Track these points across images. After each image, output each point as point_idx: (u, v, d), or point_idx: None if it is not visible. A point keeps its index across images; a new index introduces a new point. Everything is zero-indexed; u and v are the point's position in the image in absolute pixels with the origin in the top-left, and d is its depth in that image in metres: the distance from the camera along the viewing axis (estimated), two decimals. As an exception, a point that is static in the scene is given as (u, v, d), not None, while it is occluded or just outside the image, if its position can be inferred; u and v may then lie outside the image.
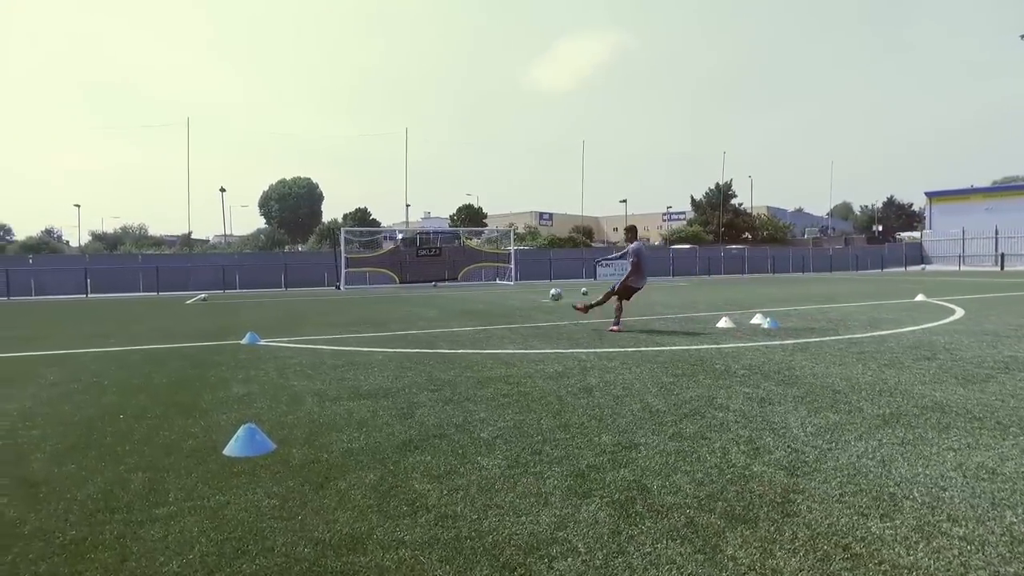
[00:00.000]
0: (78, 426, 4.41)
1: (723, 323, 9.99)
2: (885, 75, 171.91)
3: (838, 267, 45.73)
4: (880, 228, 66.78)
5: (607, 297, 10.03)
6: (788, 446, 3.66)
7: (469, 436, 3.98)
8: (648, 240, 64.04)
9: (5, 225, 63.49)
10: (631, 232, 10.34)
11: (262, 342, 8.87)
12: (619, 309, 9.75)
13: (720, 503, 2.86)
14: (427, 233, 39.33)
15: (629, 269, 9.97)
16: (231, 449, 3.68)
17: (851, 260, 46.98)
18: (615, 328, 9.43)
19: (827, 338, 8.27)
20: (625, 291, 9.91)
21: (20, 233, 59.34)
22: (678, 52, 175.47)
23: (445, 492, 3.05)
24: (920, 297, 15.44)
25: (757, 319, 10.28)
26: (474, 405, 4.82)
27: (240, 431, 3.75)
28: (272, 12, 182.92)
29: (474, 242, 36.31)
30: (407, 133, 57.89)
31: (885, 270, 45.11)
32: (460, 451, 3.68)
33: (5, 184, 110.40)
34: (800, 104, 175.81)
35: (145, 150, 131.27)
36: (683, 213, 76.44)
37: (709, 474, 3.23)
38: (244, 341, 8.82)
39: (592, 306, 10.52)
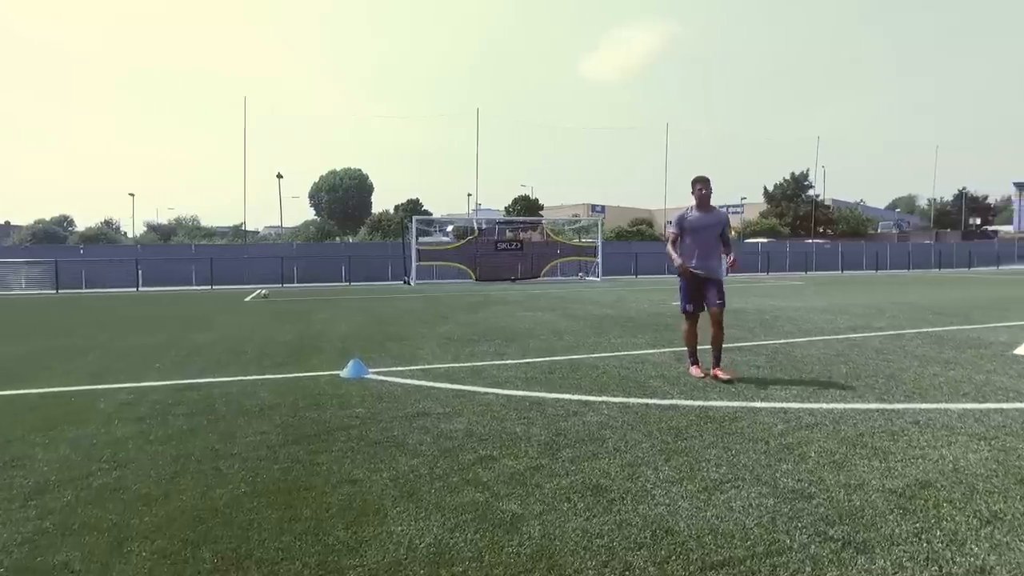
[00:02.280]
0: None
1: (1026, 350, 6.68)
2: (947, 66, 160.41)
3: (946, 264, 41.10)
4: (978, 221, 60.98)
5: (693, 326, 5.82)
6: None
7: None
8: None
9: (68, 216, 62.59)
10: (700, 185, 5.66)
11: (372, 373, 5.92)
12: (692, 333, 5.79)
13: None
14: (508, 223, 36.08)
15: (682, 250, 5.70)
16: None
17: (964, 257, 42.17)
18: (697, 370, 5.70)
19: None
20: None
21: (81, 224, 58.22)
22: (726, 44, 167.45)
23: None
24: None
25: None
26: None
27: None
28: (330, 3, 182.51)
29: (552, 233, 33.11)
30: (478, 114, 54.84)
31: (1001, 267, 40.63)
32: None
33: (68, 174, 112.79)
34: (847, 95, 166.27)
35: (199, 140, 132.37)
36: (741, 207, 72.01)
37: None
38: (346, 374, 5.86)
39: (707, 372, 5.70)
